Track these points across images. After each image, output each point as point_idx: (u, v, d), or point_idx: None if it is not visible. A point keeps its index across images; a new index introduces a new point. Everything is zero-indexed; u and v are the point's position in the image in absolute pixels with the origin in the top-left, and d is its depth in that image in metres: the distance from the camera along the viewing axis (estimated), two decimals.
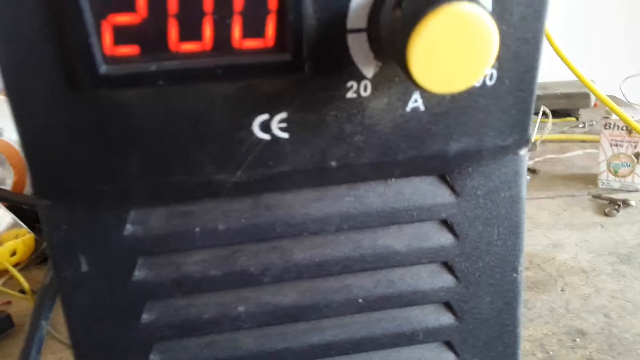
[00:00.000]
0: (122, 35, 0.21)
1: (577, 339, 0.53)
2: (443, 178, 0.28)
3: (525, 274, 0.30)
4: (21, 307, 0.66)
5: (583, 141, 1.10)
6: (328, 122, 0.25)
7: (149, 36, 0.22)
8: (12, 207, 0.82)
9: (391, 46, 0.22)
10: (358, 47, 0.23)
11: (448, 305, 0.30)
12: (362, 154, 0.26)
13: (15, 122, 0.23)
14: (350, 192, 0.28)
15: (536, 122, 1.12)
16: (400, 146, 0.26)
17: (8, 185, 0.83)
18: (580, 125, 1.16)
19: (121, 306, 0.27)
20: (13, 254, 0.77)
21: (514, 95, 0.26)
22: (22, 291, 0.69)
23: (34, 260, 0.79)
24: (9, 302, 0.69)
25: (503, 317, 0.30)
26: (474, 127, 0.26)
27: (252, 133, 0.25)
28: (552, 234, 0.75)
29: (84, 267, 0.26)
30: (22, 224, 0.78)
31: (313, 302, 0.29)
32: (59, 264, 0.26)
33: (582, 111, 1.20)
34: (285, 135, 0.25)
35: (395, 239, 0.28)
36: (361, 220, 0.28)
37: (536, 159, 1.01)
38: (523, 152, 0.28)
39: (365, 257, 0.28)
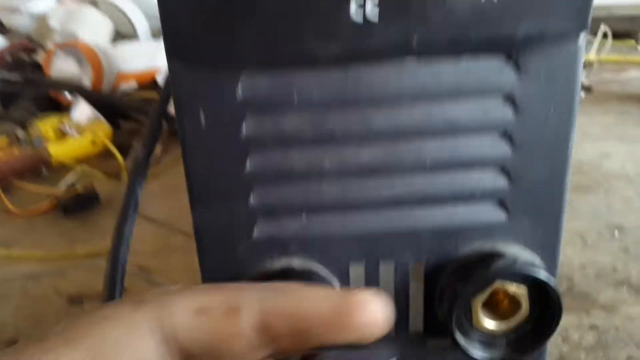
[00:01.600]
0: None
1: (616, 233, 0.58)
2: (509, 58, 0.32)
3: (571, 179, 0.33)
4: (104, 189, 0.74)
5: None
6: (413, 7, 0.29)
7: None
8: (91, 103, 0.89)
9: None
10: None
11: (504, 170, 0.35)
12: (441, 33, 0.30)
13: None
14: (426, 68, 0.32)
15: (595, 42, 1.11)
16: (474, 28, 0.30)
17: (86, 83, 0.90)
18: None
19: (230, 156, 0.33)
20: (93, 143, 0.84)
21: None
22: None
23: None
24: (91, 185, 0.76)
25: (552, 183, 0.35)
26: (540, 13, 0.30)
27: (348, 14, 0.29)
28: (601, 145, 0.78)
29: (202, 122, 0.32)
30: (101, 116, 0.86)
31: (386, 161, 0.34)
32: (182, 118, 0.32)
33: None
34: (375, 17, 0.30)
35: (462, 110, 0.33)
36: (434, 92, 0.33)
37: (592, 78, 1.02)
38: (581, 41, 0.32)
39: (435, 124, 0.33)
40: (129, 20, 1.07)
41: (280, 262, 0.36)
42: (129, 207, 0.50)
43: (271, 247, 0.36)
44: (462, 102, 0.33)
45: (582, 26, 0.31)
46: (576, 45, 0.32)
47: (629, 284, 0.49)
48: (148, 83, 0.98)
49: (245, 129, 0.33)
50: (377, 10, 0.30)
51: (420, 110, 0.33)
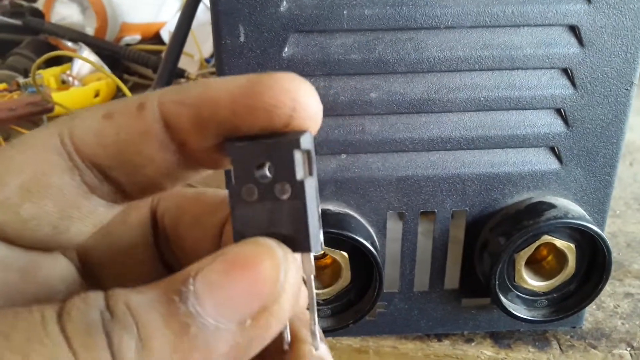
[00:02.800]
0: None
1: None
2: None
3: None
4: None
5: None
6: None
7: None
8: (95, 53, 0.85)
9: None
10: None
11: (561, 113, 0.32)
12: None
13: None
14: None
15: None
16: None
17: (89, 33, 0.86)
18: None
19: None
20: (96, 95, 0.80)
21: None
22: None
23: None
24: None
25: (610, 130, 0.32)
26: None
27: None
28: None
29: (242, 38, 0.29)
30: (105, 66, 0.82)
31: (438, 95, 0.31)
32: (221, 31, 0.29)
33: None
34: None
35: (524, 40, 0.30)
36: (495, 15, 0.30)
37: None
38: None
39: (494, 55, 0.30)
40: None
41: None
42: None
43: None
44: (525, 32, 0.30)
45: None
46: None
47: None
48: (151, 37, 0.94)
49: (287, 48, 0.30)
50: None
51: (478, 37, 0.30)
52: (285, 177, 0.15)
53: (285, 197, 0.15)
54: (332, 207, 0.33)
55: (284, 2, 0.29)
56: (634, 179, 0.61)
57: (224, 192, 0.20)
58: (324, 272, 0.35)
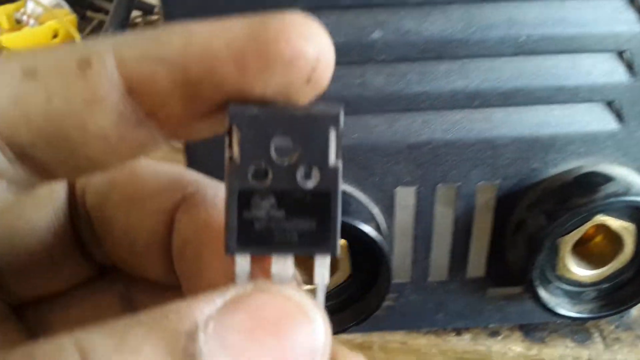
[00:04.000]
0: None
1: None
2: None
3: None
4: None
5: None
6: None
7: None
8: None
9: None
10: None
11: (623, 57, 0.25)
12: None
13: None
14: None
15: None
16: None
17: None
18: None
19: None
20: (55, 35, 0.72)
21: None
22: None
23: None
24: None
25: None
26: None
27: None
28: None
29: None
30: (64, 3, 0.73)
31: (464, 34, 0.24)
32: None
33: None
34: None
35: None
36: None
37: None
38: None
39: None
40: None
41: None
42: None
43: None
44: None
45: None
46: None
47: None
48: None
49: None
50: None
51: None
52: (313, 160, 0.12)
53: (311, 185, 0.12)
54: None
55: None
56: None
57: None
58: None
